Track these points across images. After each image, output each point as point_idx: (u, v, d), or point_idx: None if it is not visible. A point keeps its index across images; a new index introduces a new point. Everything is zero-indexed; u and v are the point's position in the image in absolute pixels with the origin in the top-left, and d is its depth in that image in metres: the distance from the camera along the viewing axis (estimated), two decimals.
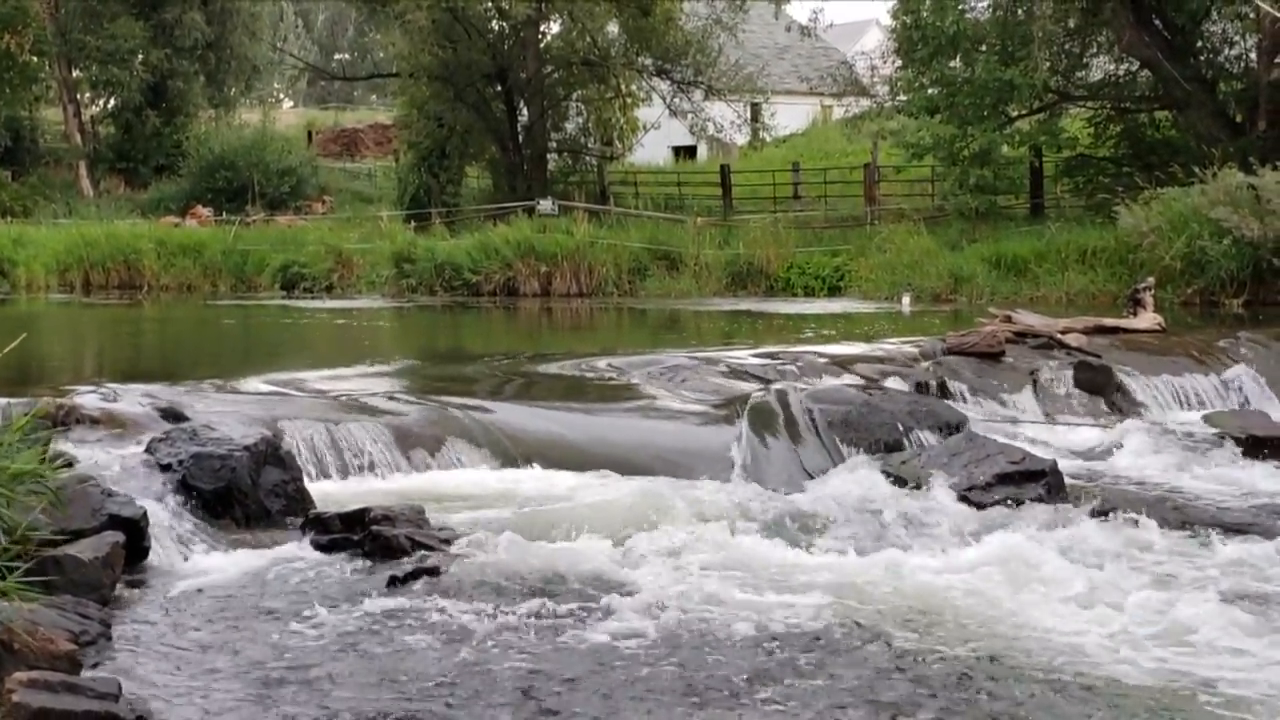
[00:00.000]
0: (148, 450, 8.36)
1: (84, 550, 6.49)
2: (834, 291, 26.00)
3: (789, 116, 46.30)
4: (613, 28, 37.42)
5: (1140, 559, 7.55)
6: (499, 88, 37.65)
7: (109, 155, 52.05)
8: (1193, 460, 10.40)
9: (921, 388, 12.06)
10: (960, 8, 27.50)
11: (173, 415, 9.48)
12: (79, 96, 53.12)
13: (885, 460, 9.95)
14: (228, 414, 9.52)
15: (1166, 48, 25.97)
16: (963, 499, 8.90)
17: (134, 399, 9.95)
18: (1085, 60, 29.06)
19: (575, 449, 9.92)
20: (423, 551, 7.33)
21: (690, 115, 38.38)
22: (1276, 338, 14.78)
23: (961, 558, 7.47)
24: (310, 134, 55.27)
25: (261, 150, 45.47)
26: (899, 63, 29.08)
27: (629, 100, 40.00)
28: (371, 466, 9.40)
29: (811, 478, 9.73)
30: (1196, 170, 21.56)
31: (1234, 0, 24.63)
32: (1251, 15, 24.71)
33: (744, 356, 13.32)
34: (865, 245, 26.83)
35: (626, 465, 9.65)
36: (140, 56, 50.55)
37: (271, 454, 8.45)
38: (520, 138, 37.85)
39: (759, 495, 9.07)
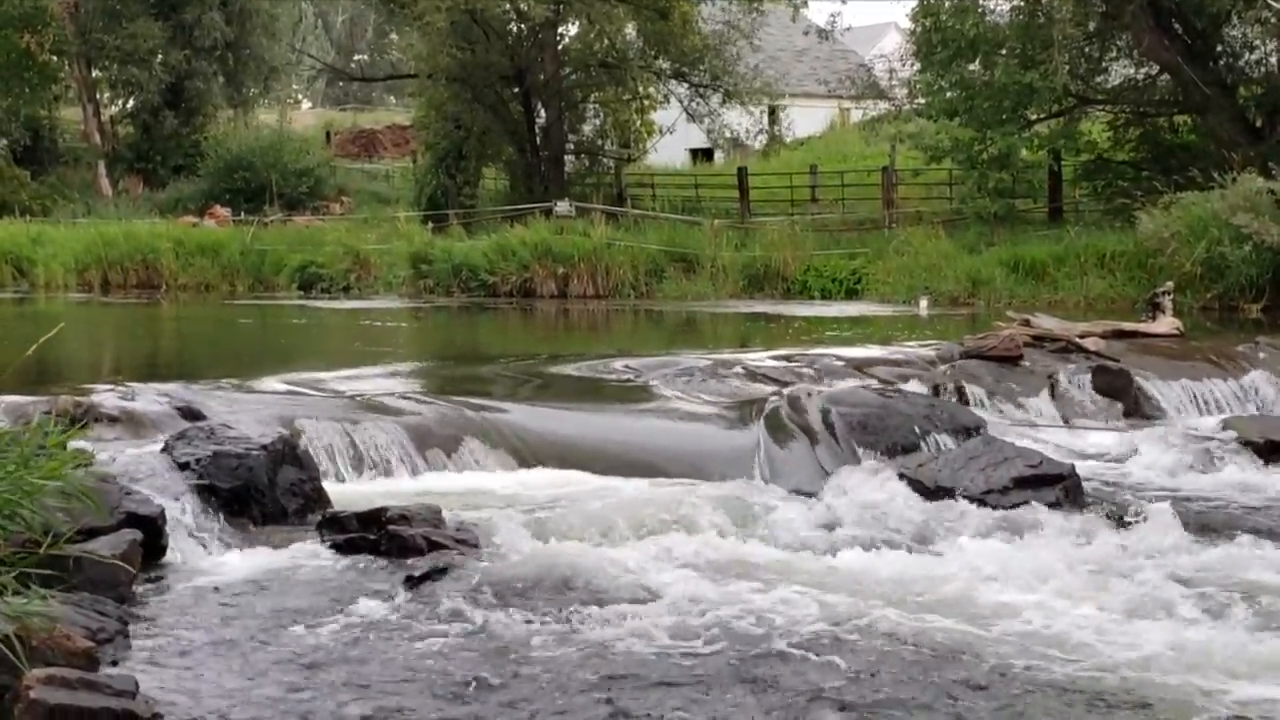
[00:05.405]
0: (165, 449, 8.38)
1: (102, 548, 6.50)
2: (851, 294, 25.96)
3: (807, 119, 46.25)
4: (631, 30, 37.43)
5: (1157, 564, 7.51)
6: (517, 89, 37.69)
7: (128, 155, 52.23)
8: (1210, 465, 10.34)
9: (939, 391, 12.03)
10: (980, 10, 27.45)
11: (190, 414, 9.51)
12: (98, 96, 53.33)
13: (902, 463, 9.91)
14: (245, 413, 9.54)
15: (1186, 52, 25.90)
16: (980, 502, 8.87)
17: (152, 398, 9.98)
18: (1105, 64, 28.99)
19: (591, 450, 9.91)
20: (439, 551, 7.32)
21: (707, 119, 38.35)
22: None
23: (978, 560, 7.44)
24: (328, 135, 55.45)
25: (279, 151, 45.56)
26: (918, 65, 29.00)
27: (646, 103, 40.01)
28: (388, 466, 9.41)
29: (829, 479, 9.71)
30: (1216, 175, 21.49)
31: (1255, 4, 24.52)
32: (1272, 20, 24.63)
33: (761, 358, 13.32)
34: (883, 248, 26.79)
35: (643, 467, 9.64)
36: (159, 57, 50.75)
37: (289, 453, 8.46)
38: (538, 139, 37.89)
39: (777, 497, 9.05)
